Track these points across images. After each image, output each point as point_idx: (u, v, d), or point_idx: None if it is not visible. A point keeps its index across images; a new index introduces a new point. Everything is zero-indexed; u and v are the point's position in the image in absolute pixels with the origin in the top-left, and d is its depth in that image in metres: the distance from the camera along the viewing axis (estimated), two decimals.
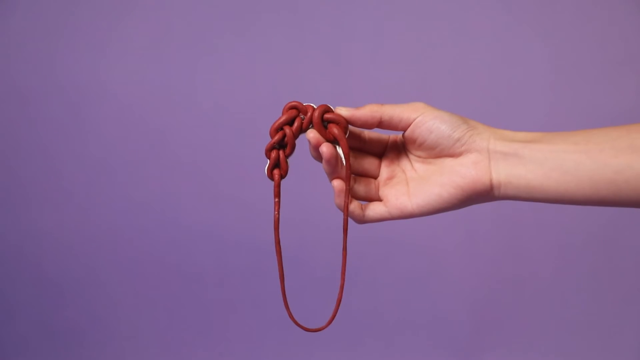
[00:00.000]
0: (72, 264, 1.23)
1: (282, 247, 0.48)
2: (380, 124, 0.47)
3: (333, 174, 0.48)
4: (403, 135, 0.49)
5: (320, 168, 0.49)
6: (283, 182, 0.49)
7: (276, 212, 0.47)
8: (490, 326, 1.23)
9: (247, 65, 1.17)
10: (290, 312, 0.48)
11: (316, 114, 0.47)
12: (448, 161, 0.47)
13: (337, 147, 0.48)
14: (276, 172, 0.48)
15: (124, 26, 1.16)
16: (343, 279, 0.46)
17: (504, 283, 1.22)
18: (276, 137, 0.47)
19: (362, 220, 0.49)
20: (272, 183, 0.48)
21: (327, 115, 0.47)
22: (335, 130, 0.47)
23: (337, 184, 0.48)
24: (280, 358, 1.23)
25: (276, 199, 0.47)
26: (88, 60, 1.17)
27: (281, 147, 0.48)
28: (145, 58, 1.17)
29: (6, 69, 1.18)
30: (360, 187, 0.50)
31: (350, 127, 0.49)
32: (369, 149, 0.51)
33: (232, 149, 1.18)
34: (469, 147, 0.46)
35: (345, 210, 0.48)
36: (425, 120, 0.46)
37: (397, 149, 0.51)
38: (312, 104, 0.48)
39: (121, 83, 1.17)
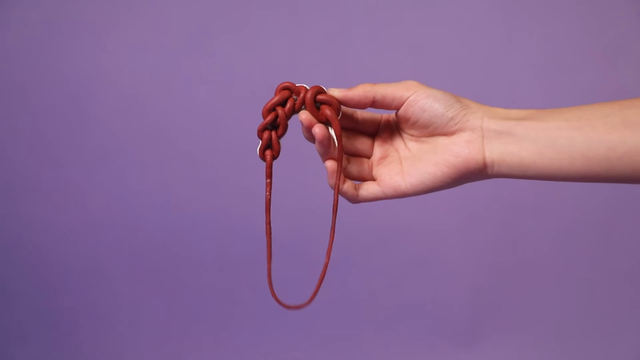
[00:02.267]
0: (72, 252, 1.23)
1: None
2: (373, 104, 0.47)
3: (326, 155, 0.48)
4: (396, 114, 0.48)
5: (314, 149, 0.49)
6: (279, 166, 0.49)
7: (268, 193, 0.47)
8: (489, 311, 1.24)
9: (247, 53, 1.16)
10: (272, 289, 0.48)
11: (309, 95, 0.47)
12: (441, 140, 0.47)
13: (330, 128, 0.48)
14: (268, 152, 0.48)
15: (125, 16, 1.15)
16: (328, 257, 0.47)
17: (503, 268, 1.23)
18: (268, 118, 0.47)
19: (355, 199, 0.49)
20: (265, 164, 0.48)
21: (319, 97, 0.47)
22: (327, 111, 0.47)
23: (330, 164, 0.48)
24: (280, 344, 1.24)
25: (268, 180, 0.48)
26: (88, 50, 1.16)
27: (273, 127, 0.48)
28: (146, 47, 1.16)
29: (6, 58, 1.17)
30: (353, 167, 0.50)
31: (342, 107, 0.49)
32: (362, 129, 0.51)
33: (232, 137, 1.18)
34: (462, 126, 0.46)
35: (336, 191, 0.48)
36: (419, 99, 0.46)
37: (390, 128, 0.51)
38: (304, 85, 0.48)
39: (121, 72, 1.16)
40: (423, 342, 1.23)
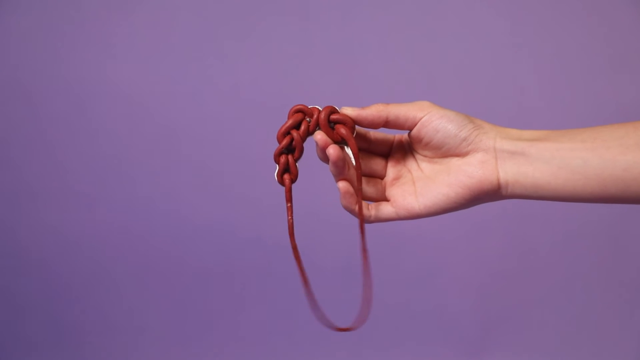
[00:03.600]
0: (78, 260, 1.22)
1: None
2: (387, 124, 0.47)
3: (339, 176, 0.47)
4: (409, 134, 0.48)
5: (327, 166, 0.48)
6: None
7: (290, 217, 0.47)
8: (497, 321, 1.23)
9: (254, 62, 1.17)
10: (319, 312, 0.48)
11: (322, 115, 0.47)
12: (455, 161, 0.47)
13: (346, 147, 0.47)
14: (286, 176, 0.47)
15: (130, 21, 1.16)
16: (369, 278, 0.46)
17: (511, 276, 1.22)
18: (284, 142, 0.47)
19: (369, 220, 0.49)
20: (280, 186, 0.48)
21: (333, 116, 0.47)
22: (342, 130, 0.47)
23: (343, 185, 0.47)
24: (287, 354, 1.23)
25: (288, 204, 0.47)
26: (94, 56, 1.16)
27: (289, 151, 0.47)
28: (152, 54, 1.16)
29: (11, 65, 1.17)
30: (367, 188, 0.49)
31: (356, 127, 0.48)
32: (375, 149, 0.51)
33: (239, 145, 1.18)
34: (475, 147, 0.46)
35: (360, 211, 0.47)
36: (432, 120, 0.46)
37: (403, 149, 0.51)
38: (317, 106, 0.48)
39: (127, 79, 1.17)
40: (429, 352, 1.22)
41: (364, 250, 0.47)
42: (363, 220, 0.47)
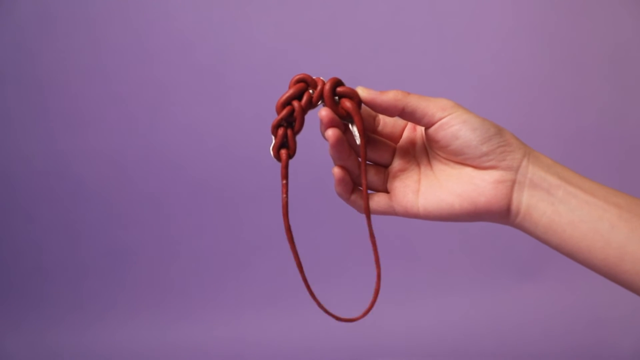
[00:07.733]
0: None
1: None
2: (401, 114, 0.43)
3: (339, 160, 0.43)
4: (425, 130, 0.44)
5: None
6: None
7: (284, 195, 0.43)
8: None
9: (260, 43, 1.15)
10: (318, 300, 0.44)
11: (327, 86, 0.43)
12: (469, 170, 0.42)
13: (350, 125, 0.43)
14: (283, 152, 0.43)
15: None
16: (378, 267, 0.42)
17: None
18: (284, 112, 0.42)
19: (359, 210, 0.45)
20: (280, 165, 0.44)
21: (339, 89, 0.43)
22: (348, 104, 0.43)
23: (338, 172, 0.43)
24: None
25: (284, 181, 0.43)
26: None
27: (288, 124, 0.43)
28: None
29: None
30: (367, 175, 0.45)
31: (365, 107, 0.44)
32: (384, 133, 0.46)
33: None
34: (496, 164, 0.41)
35: (365, 193, 0.43)
36: (452, 124, 0.41)
37: (416, 138, 0.46)
38: (321, 77, 0.44)
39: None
40: (485, 274, 1.18)
41: (372, 236, 0.43)
42: (368, 204, 0.43)
